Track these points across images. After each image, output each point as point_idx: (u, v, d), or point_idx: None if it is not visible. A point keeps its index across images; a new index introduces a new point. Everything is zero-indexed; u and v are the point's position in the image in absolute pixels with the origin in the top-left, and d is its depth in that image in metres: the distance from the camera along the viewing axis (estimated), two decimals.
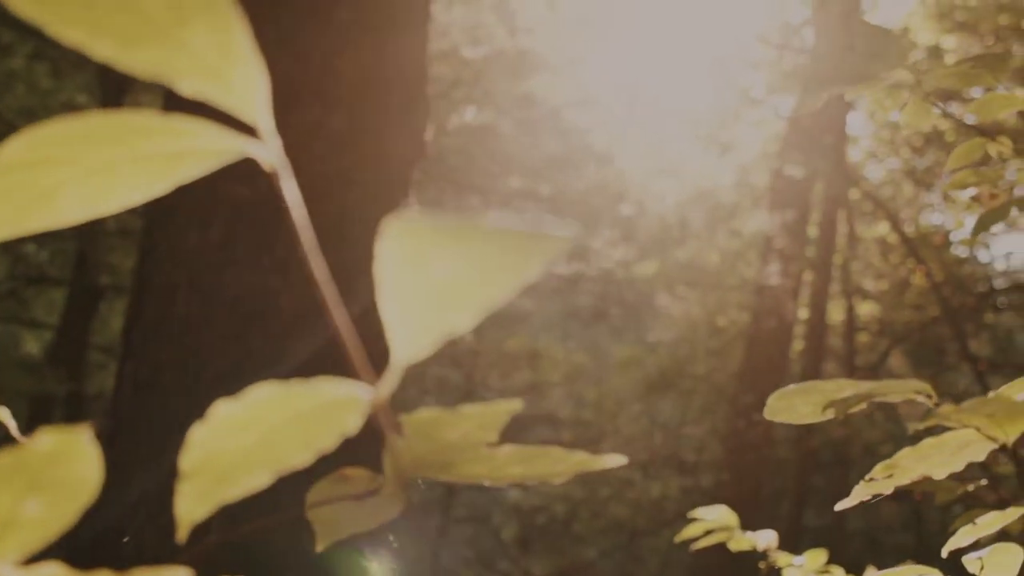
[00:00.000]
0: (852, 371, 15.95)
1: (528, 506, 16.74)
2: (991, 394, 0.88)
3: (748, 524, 3.62)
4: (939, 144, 14.71)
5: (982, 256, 18.82)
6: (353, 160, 5.75)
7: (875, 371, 17.38)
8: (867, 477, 1.03)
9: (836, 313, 16.34)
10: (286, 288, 5.70)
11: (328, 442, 0.54)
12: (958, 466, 1.01)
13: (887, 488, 1.02)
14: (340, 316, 0.58)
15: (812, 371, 12.80)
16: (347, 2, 5.74)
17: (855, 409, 0.99)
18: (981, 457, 0.97)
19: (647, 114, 16.99)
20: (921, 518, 15.85)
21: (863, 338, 16.67)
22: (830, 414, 0.97)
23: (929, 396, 0.96)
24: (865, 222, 16.22)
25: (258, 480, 0.54)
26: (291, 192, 0.57)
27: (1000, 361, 16.26)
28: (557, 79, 14.08)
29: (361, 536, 0.81)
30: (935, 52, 15.36)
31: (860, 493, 1.05)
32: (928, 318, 15.91)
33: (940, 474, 1.01)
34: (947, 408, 0.89)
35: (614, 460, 0.76)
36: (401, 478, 0.73)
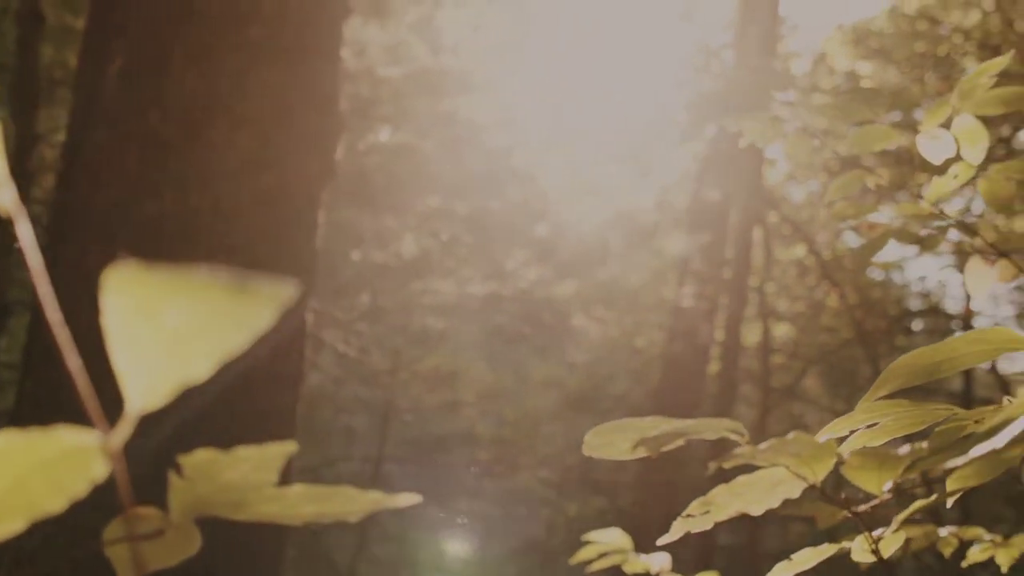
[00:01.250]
0: (768, 392, 16.11)
1: (444, 525, 16.70)
2: (791, 435, 0.90)
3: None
4: (857, 166, 14.90)
5: (896, 279, 19.11)
6: (262, 178, 5.71)
7: (790, 392, 17.57)
8: (684, 513, 1.05)
9: (753, 335, 16.49)
10: None
11: (78, 488, 0.55)
12: (774, 503, 1.03)
13: (706, 524, 1.04)
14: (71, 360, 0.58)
15: (727, 392, 12.90)
16: (259, 20, 5.71)
17: (670, 447, 1.01)
18: (796, 494, 0.99)
19: (568, 135, 17.06)
20: (832, 538, 15.98)
21: (778, 359, 16.83)
22: (641, 452, 0.99)
23: (741, 435, 0.98)
24: (783, 244, 16.39)
25: (13, 525, 0.55)
26: (26, 236, 0.57)
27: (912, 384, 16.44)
28: (479, 99, 14.11)
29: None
30: (851, 77, 15.60)
31: (679, 528, 1.06)
32: (842, 340, 16.12)
33: (757, 510, 1.03)
34: (749, 449, 0.91)
35: (407, 499, 0.77)
36: (187, 517, 0.74)
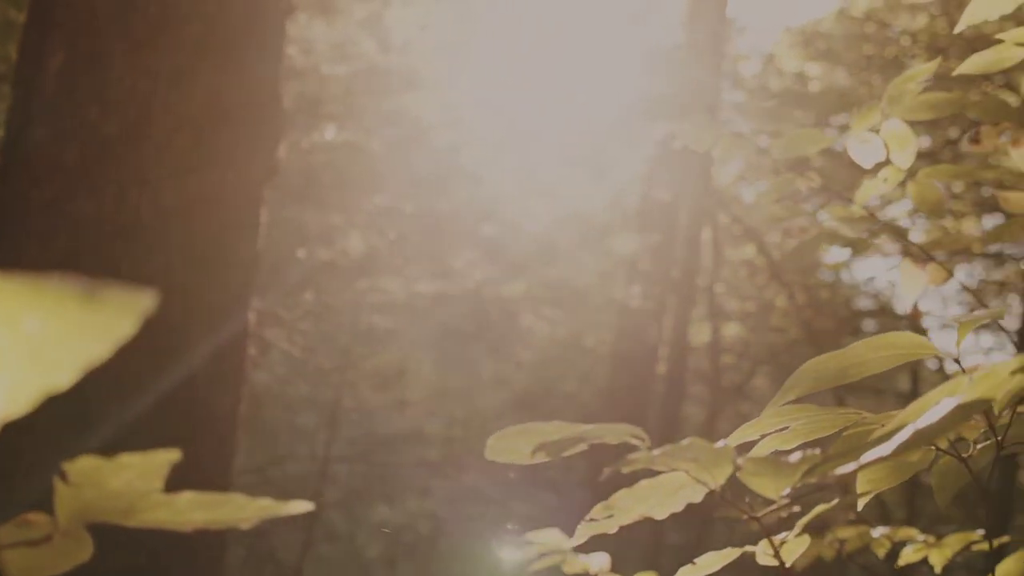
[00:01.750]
0: (717, 392, 16.18)
1: (393, 525, 16.66)
2: (687, 441, 0.89)
3: (611, 543, 3.61)
4: (806, 167, 14.99)
5: (846, 279, 19.27)
6: (203, 177, 5.67)
7: (740, 392, 17.66)
8: (588, 517, 1.04)
9: (703, 335, 16.56)
10: None
11: None
12: (678, 507, 1.02)
13: (611, 528, 1.03)
14: None
15: (675, 392, 12.94)
16: (199, 17, 5.66)
17: (571, 452, 1.00)
18: (698, 499, 0.99)
19: (519, 134, 17.05)
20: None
21: (728, 359, 16.92)
22: (541, 456, 0.98)
23: (642, 439, 0.97)
24: (733, 244, 16.47)
25: None
26: None
27: (859, 384, 16.61)
28: (428, 97, 14.08)
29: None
30: (800, 79, 15.68)
31: (584, 532, 1.06)
32: (791, 340, 16.21)
33: (660, 514, 1.03)
34: (643, 455, 0.90)
35: (300, 507, 0.76)
36: (75, 523, 0.72)
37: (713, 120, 2.13)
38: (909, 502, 15.28)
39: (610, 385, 14.05)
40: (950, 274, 2.35)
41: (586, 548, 3.44)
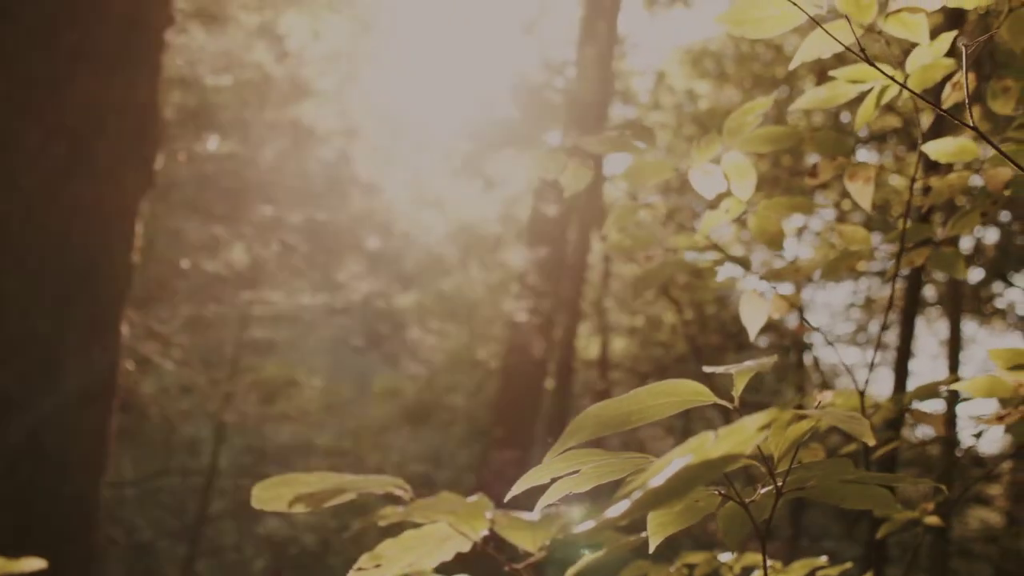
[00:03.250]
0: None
1: (280, 537, 16.49)
2: (443, 493, 0.90)
3: None
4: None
5: (735, 296, 19.47)
6: (77, 188, 5.58)
7: None
8: (356, 566, 1.05)
9: (592, 349, 16.66)
10: None
11: None
12: (447, 556, 1.03)
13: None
14: None
15: (561, 406, 12.99)
16: (76, 26, 5.58)
17: (334, 502, 1.01)
18: (466, 549, 1.00)
19: (412, 146, 17.03)
20: (676, 553, 16.21)
21: (617, 374, 17.02)
22: (300, 507, 0.98)
23: (404, 490, 0.98)
24: (622, 260, 16.58)
25: None
26: None
27: (748, 399, 16.81)
28: (319, 107, 14.00)
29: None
30: (689, 97, 15.87)
31: None
32: (677, 355, 16.37)
33: (428, 564, 1.04)
34: (395, 511, 0.91)
35: (33, 564, 0.76)
36: None
37: (557, 150, 2.15)
38: (795, 520, 15.49)
39: (499, 398, 14.06)
40: (792, 305, 2.40)
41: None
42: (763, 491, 1.31)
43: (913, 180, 2.18)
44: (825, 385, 16.81)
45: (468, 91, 17.64)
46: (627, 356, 17.32)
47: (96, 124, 5.80)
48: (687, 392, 1.24)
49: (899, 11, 1.96)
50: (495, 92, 16.68)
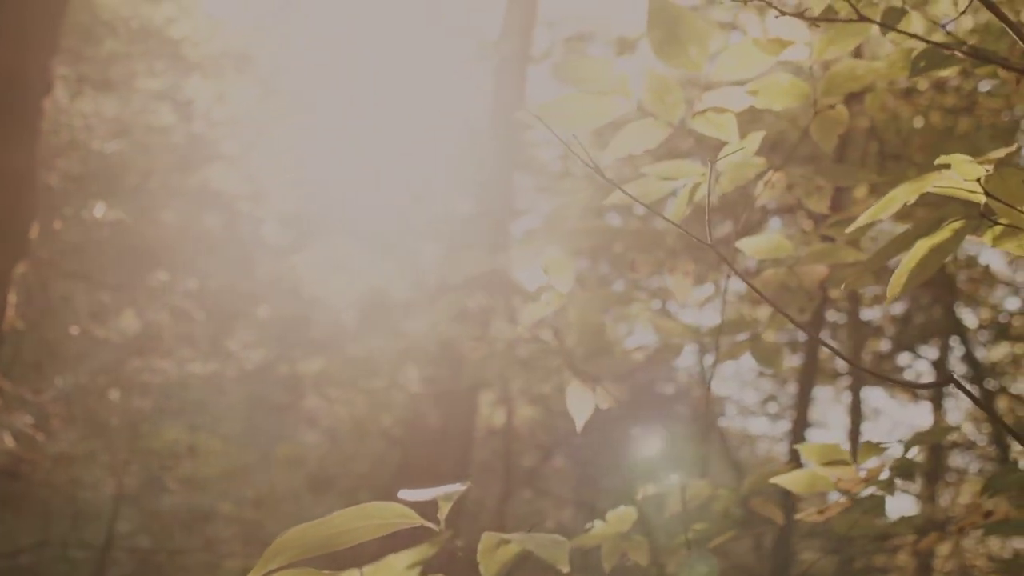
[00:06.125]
0: (510, 476, 16.23)
1: None
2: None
3: None
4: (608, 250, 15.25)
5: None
6: None
7: (536, 473, 17.77)
8: None
9: (498, 418, 16.62)
10: None
11: None
12: None
13: None
14: None
15: (461, 476, 12.91)
16: None
17: None
18: None
19: (320, 211, 16.99)
20: None
21: (520, 444, 17.00)
22: None
23: None
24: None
25: None
26: None
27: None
28: (226, 171, 13.94)
29: None
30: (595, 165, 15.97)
31: None
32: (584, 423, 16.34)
33: None
34: None
35: None
36: None
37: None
38: None
39: (402, 467, 13.97)
40: (614, 400, 2.40)
41: None
42: None
43: (728, 276, 2.19)
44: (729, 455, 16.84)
45: (379, 159, 17.65)
46: (535, 423, 17.29)
47: None
48: (393, 515, 1.22)
49: (705, 111, 1.98)
50: (404, 161, 16.73)
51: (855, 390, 15.69)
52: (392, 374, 15.16)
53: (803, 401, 11.80)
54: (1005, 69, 1.71)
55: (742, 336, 2.42)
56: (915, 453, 2.50)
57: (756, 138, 2.05)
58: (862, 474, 2.33)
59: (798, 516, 2.34)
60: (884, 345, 18.68)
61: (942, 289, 14.80)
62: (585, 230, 2.05)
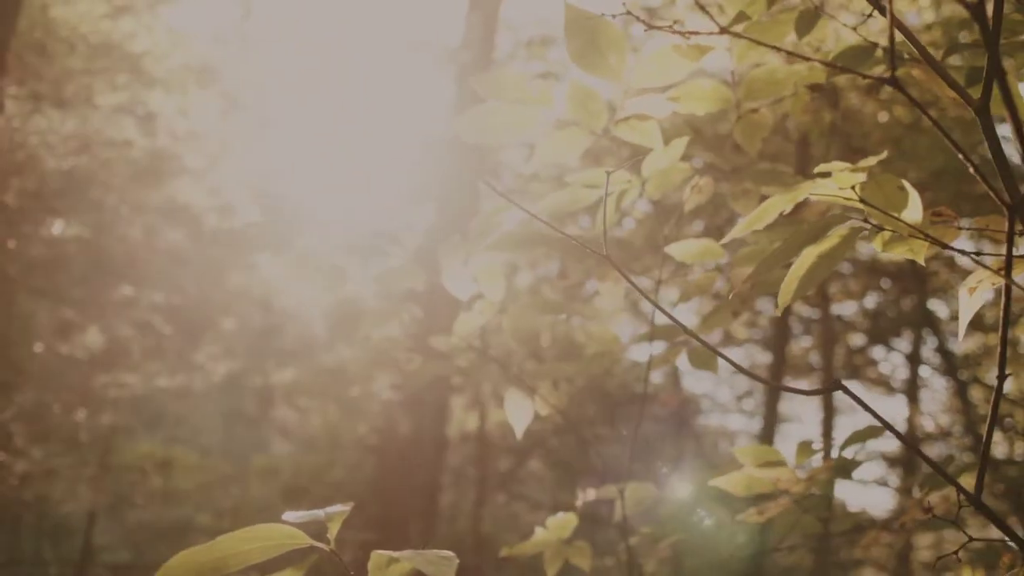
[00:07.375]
0: (484, 480, 16.26)
1: None
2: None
3: None
4: (574, 260, 15.26)
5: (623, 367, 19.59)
6: None
7: (512, 476, 17.78)
8: None
9: (472, 422, 16.63)
10: None
11: None
12: None
13: None
14: None
15: (433, 483, 12.94)
16: None
17: None
18: None
19: (292, 220, 16.92)
20: None
21: (494, 448, 17.01)
22: None
23: None
24: (497, 333, 16.59)
25: None
26: None
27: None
28: (192, 184, 13.90)
29: None
30: (561, 173, 16.02)
31: None
32: (556, 427, 16.40)
33: None
34: None
35: None
36: None
37: (303, 256, 2.16)
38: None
39: (376, 474, 13.97)
40: (555, 409, 2.40)
41: None
42: None
43: (659, 282, 2.20)
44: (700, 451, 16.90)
45: (347, 166, 17.65)
46: (506, 429, 17.30)
47: None
48: (281, 536, 1.23)
49: (628, 118, 1.99)
50: (374, 165, 16.72)
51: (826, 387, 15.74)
52: (364, 383, 15.14)
53: (772, 399, 11.85)
54: (863, 78, 1.72)
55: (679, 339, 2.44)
56: (855, 452, 2.52)
57: (680, 144, 2.06)
58: (800, 474, 2.35)
59: (738, 517, 2.36)
60: (857, 340, 18.76)
61: (913, 282, 14.88)
62: (510, 238, 2.06)
